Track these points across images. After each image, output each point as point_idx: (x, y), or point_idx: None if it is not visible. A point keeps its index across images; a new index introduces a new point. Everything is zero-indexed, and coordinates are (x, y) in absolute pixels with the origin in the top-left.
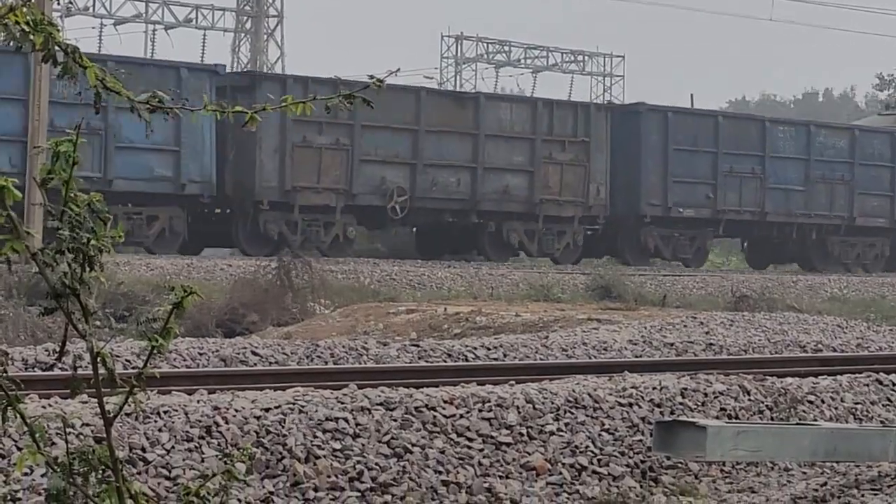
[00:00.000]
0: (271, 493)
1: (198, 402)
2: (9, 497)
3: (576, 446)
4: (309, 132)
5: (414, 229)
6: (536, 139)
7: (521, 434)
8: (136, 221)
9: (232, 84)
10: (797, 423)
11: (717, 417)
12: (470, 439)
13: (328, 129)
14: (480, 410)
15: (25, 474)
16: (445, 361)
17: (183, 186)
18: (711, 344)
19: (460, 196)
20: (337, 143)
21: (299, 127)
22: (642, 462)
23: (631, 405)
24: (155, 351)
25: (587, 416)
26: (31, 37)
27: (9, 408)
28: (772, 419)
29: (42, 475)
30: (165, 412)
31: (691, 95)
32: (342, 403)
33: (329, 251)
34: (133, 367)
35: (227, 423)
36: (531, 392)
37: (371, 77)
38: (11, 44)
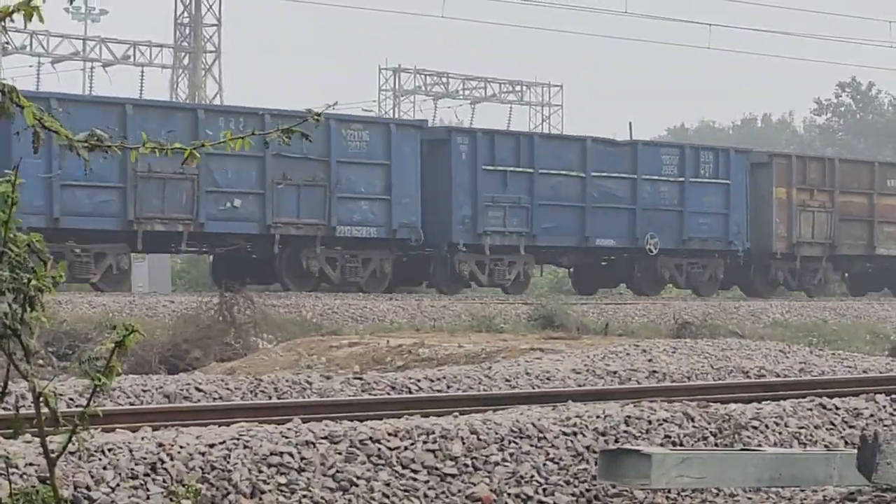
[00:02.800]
0: None
1: (142, 439)
2: None
3: (521, 476)
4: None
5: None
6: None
7: (466, 465)
8: None
9: None
10: (741, 450)
11: (662, 445)
12: (415, 471)
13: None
14: (425, 442)
15: None
16: (389, 394)
17: None
18: (654, 371)
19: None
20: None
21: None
22: (587, 491)
23: (575, 434)
24: (98, 389)
25: (532, 445)
26: None
27: None
28: (716, 445)
29: None
30: (110, 450)
31: (630, 123)
32: (287, 438)
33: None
34: (76, 406)
35: (171, 459)
36: (475, 423)
37: (309, 111)
38: None
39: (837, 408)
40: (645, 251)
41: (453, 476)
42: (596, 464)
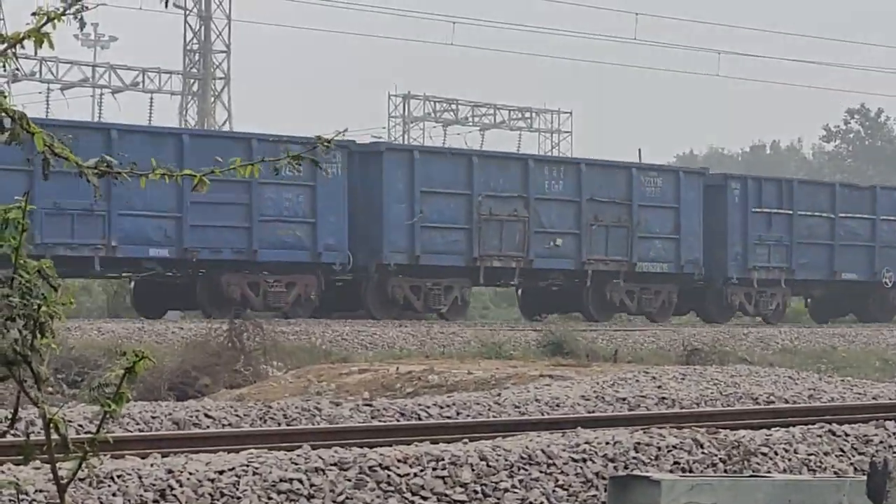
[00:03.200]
0: None
1: (151, 465)
2: None
3: (530, 503)
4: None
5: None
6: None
7: (476, 492)
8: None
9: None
10: (751, 476)
11: (671, 471)
12: (424, 498)
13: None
14: (434, 469)
15: None
16: (398, 420)
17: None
18: (664, 398)
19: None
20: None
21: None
22: None
23: (584, 461)
24: (108, 416)
25: (541, 472)
26: None
27: None
28: (725, 472)
29: None
30: (119, 476)
31: (639, 150)
32: (296, 464)
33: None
34: (86, 433)
35: (181, 486)
36: (485, 449)
37: (318, 138)
38: None
39: (847, 434)
40: (881, 284)
41: (463, 503)
42: (605, 490)
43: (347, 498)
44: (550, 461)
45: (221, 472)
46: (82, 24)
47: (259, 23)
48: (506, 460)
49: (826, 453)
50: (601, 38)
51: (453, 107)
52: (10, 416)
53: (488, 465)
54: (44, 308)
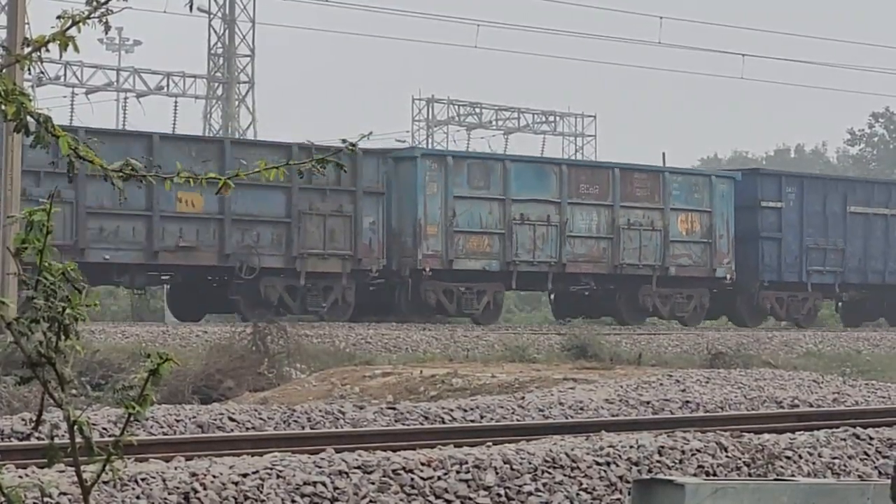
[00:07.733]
0: None
1: (175, 468)
2: None
3: None
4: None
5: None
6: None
7: (499, 495)
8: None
9: None
10: (775, 479)
11: (695, 475)
12: (448, 501)
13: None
14: (458, 472)
15: None
16: (422, 424)
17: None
18: (688, 401)
19: None
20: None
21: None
22: None
23: (608, 464)
24: (132, 418)
25: (565, 475)
26: (3, 106)
27: None
28: (749, 475)
29: None
30: (143, 480)
31: (663, 154)
32: (320, 467)
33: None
34: (110, 435)
35: (205, 489)
36: (508, 453)
37: (344, 141)
38: None
39: (871, 438)
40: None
41: None
42: (629, 494)
43: (371, 501)
44: (574, 465)
45: (245, 476)
46: (107, 28)
47: (283, 26)
48: (529, 464)
49: (850, 457)
50: (625, 41)
51: (477, 110)
52: (34, 419)
53: (512, 469)
54: (68, 310)
